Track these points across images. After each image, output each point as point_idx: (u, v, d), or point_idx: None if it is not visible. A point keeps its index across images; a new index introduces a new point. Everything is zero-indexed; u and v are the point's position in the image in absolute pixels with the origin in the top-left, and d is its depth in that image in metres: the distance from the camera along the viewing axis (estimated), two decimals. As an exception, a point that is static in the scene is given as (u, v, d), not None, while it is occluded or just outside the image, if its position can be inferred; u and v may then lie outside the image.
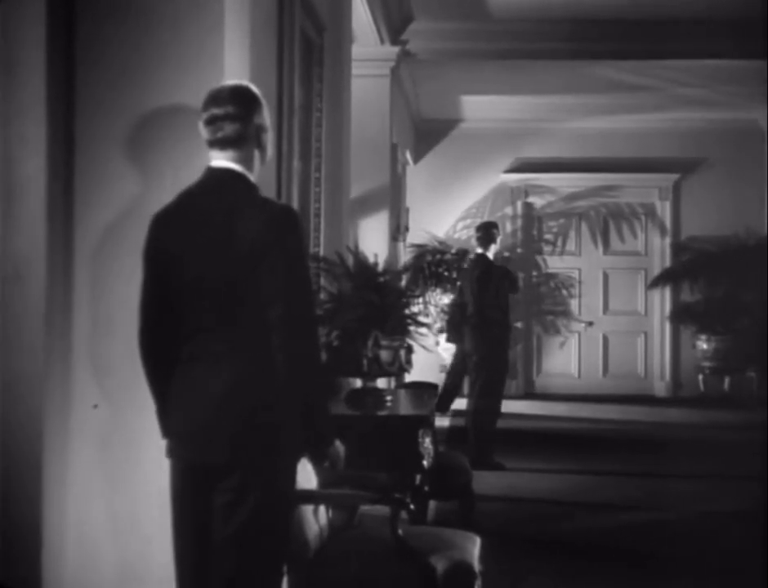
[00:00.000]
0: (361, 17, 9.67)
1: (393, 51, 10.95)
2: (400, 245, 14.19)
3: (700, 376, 15.01)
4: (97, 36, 4.00)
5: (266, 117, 3.53)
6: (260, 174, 4.95)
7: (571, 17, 10.73)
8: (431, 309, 14.99)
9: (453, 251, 15.00)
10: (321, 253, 6.19)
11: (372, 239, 10.82)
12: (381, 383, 9.67)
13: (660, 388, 15.49)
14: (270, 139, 3.56)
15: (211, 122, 3.43)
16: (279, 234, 3.31)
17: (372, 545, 4.35)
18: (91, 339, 4.04)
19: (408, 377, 14.05)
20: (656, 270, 15.43)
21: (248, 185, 3.46)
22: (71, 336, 4.03)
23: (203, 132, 3.46)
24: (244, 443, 3.34)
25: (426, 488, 5.04)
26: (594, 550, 7.03)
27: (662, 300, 15.51)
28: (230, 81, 3.59)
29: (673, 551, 6.92)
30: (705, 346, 14.88)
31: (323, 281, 5.92)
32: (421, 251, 15.10)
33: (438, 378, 14.74)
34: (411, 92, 14.14)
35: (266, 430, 3.35)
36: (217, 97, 3.44)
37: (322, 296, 5.79)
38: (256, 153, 3.50)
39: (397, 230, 12.67)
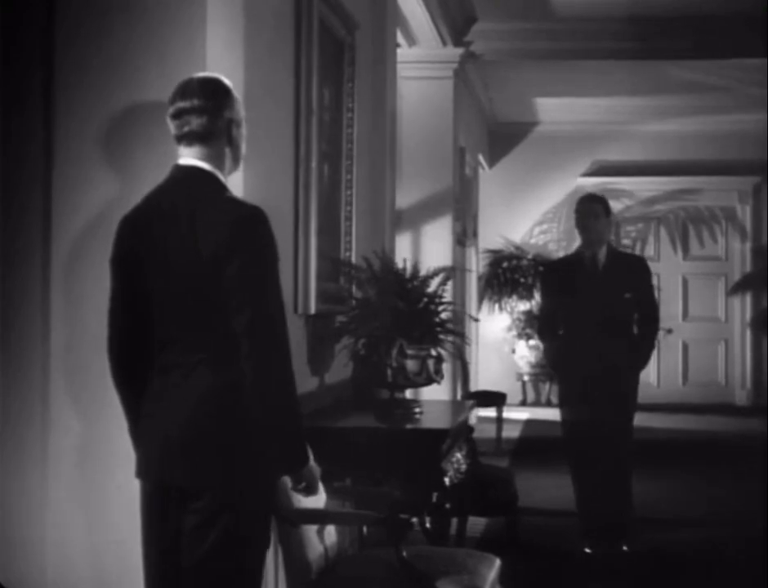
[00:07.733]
0: (420, 19, 9.47)
1: (456, 52, 10.72)
2: (470, 250, 13.95)
3: (782, 384, 14.65)
4: (77, 36, 3.84)
5: (240, 111, 3.26)
6: (276, 176, 4.78)
7: (635, 15, 10.37)
8: (506, 315, 14.77)
9: (530, 256, 14.76)
10: (353, 258, 5.96)
11: (435, 244, 10.62)
12: (443, 393, 9.43)
13: (741, 396, 15.13)
14: (243, 135, 3.30)
15: (177, 115, 3.19)
16: (244, 238, 3.05)
17: (379, 567, 4.12)
18: (67, 348, 3.87)
19: (480, 386, 13.87)
20: (736, 276, 15.09)
21: (216, 185, 3.19)
22: (50, 344, 3.87)
23: (170, 127, 3.23)
24: (212, 464, 3.11)
25: (448, 506, 4.77)
26: (658, 568, 6.71)
27: (742, 307, 15.14)
28: (200, 73, 3.35)
29: (748, 569, 6.59)
30: (787, 353, 14.56)
31: (354, 288, 5.71)
32: (497, 256, 14.88)
33: (513, 386, 14.50)
34: (483, 96, 13.92)
35: (235, 450, 3.11)
36: (185, 89, 3.20)
37: (354, 302, 5.58)
38: (228, 151, 3.23)
39: (463, 235, 12.41)
